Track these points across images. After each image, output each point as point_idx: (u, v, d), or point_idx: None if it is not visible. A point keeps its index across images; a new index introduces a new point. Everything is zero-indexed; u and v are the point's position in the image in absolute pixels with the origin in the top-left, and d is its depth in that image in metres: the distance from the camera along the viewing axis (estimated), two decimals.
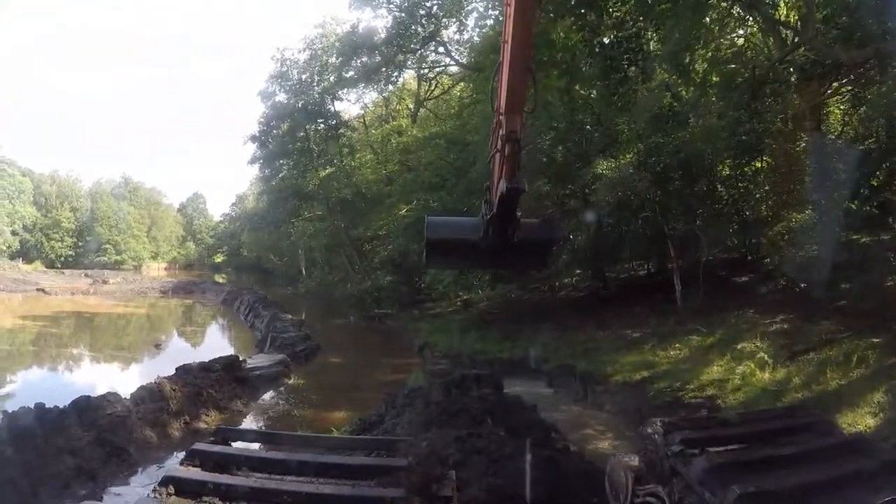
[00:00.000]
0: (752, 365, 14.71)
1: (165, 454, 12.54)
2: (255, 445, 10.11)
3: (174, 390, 14.73)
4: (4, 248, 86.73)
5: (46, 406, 11.75)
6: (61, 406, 12.09)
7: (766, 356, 14.77)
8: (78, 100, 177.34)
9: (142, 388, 14.48)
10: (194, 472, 7.80)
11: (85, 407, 12.37)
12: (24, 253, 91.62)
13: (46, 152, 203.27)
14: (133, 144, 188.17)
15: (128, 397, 13.84)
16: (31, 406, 11.55)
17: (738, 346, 16.01)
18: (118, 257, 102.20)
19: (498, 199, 8.72)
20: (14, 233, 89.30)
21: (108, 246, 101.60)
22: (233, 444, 9.44)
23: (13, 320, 39.65)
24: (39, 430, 10.97)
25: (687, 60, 18.96)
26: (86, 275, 77.30)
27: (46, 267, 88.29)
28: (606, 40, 17.58)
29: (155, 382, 14.78)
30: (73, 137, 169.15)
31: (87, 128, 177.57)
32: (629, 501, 7.15)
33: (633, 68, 16.71)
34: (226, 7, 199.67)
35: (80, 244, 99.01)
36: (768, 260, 17.11)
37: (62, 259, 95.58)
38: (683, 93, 21.67)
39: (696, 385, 15.10)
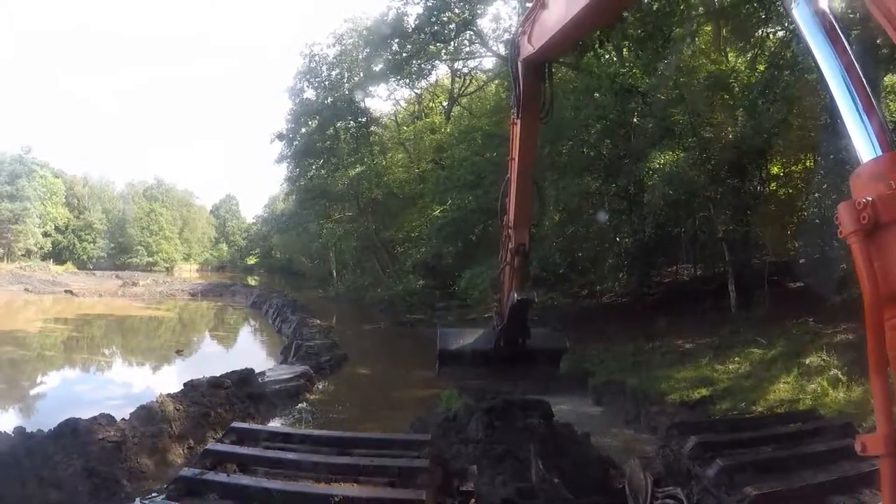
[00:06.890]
0: (824, 382, 13.30)
1: (163, 485, 11.02)
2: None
3: (178, 410, 13.18)
4: (36, 249, 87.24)
5: (28, 430, 10.47)
6: (48, 429, 10.71)
7: (838, 373, 13.32)
8: (90, 102, 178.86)
9: (141, 407, 12.93)
10: None
11: (73, 431, 10.90)
12: (57, 254, 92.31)
13: (71, 154, 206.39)
14: (157, 146, 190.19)
15: (126, 418, 12.36)
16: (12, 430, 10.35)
17: (805, 361, 14.56)
18: (150, 259, 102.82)
19: (508, 310, 9.22)
20: (46, 234, 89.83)
21: (140, 247, 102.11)
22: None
23: (39, 324, 38.91)
24: (17, 458, 9.55)
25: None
26: (116, 276, 77.88)
27: (78, 268, 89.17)
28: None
29: (157, 401, 13.23)
30: (90, 139, 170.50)
31: (105, 130, 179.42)
32: (648, 503, 7.02)
33: (678, 30, 15.21)
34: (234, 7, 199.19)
35: (112, 245, 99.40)
36: (844, 266, 15.47)
37: (94, 260, 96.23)
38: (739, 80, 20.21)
39: (763, 406, 13.55)
